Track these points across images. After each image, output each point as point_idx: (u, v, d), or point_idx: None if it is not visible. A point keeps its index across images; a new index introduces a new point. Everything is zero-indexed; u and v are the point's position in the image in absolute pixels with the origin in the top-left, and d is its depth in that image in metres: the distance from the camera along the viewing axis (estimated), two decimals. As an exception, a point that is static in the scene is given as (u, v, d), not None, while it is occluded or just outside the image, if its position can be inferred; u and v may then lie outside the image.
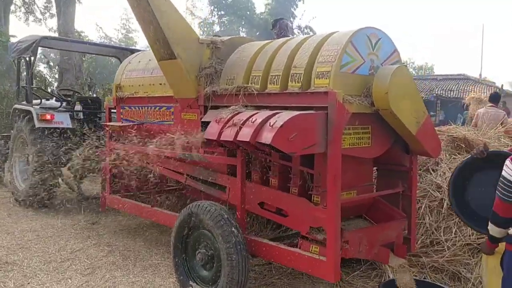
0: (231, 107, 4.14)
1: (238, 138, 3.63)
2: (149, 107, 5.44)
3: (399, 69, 3.77)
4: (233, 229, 3.97)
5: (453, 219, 5.16)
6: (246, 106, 4.20)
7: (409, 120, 3.90)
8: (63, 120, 7.13)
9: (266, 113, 3.67)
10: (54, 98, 8.57)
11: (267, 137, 3.42)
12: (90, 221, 6.51)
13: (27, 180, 7.21)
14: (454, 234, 5.03)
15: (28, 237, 5.78)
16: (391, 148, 4.27)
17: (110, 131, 5.93)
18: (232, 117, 3.85)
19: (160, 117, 5.28)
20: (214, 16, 31.57)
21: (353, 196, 4.19)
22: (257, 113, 3.74)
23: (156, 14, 4.25)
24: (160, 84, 5.25)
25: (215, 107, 4.52)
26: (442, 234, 5.08)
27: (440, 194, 5.38)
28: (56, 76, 24.06)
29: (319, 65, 3.76)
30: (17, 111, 7.68)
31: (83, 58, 20.86)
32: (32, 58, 7.22)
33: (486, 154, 3.81)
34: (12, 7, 33.29)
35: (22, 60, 7.53)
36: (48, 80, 17.04)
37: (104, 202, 6.22)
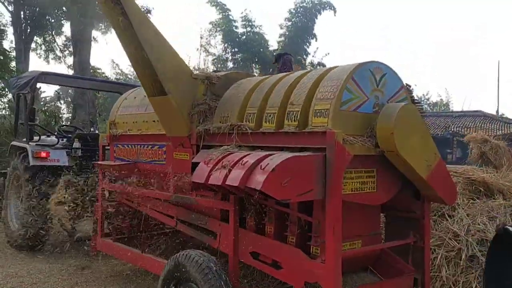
0: (223, 147, 3.80)
1: (227, 182, 3.26)
2: (142, 146, 5.14)
3: (406, 107, 3.40)
4: (222, 283, 3.54)
5: (472, 273, 4.65)
6: (239, 146, 3.86)
7: (419, 163, 3.50)
8: (59, 158, 6.88)
9: (258, 154, 3.32)
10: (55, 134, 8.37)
11: (257, 182, 3.05)
12: (80, 266, 6.13)
13: (20, 220, 6.90)
14: (474, 290, 4.51)
15: (11, 283, 5.41)
16: (400, 193, 3.85)
17: (103, 171, 5.61)
18: (222, 158, 3.50)
19: (153, 156, 4.96)
20: (228, 53, 31.83)
21: (358, 248, 3.74)
22: (248, 154, 3.39)
23: (146, 48, 3.99)
24: (154, 121, 4.95)
25: (208, 147, 4.18)
26: (460, 289, 4.55)
27: (458, 244, 4.88)
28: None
29: (317, 102, 3.42)
30: (13, 148, 7.47)
31: (97, 94, 21.01)
32: (31, 95, 7.07)
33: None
34: (33, 45, 34.23)
35: (22, 96, 7.39)
36: (58, 116, 17.01)
37: (95, 246, 5.85)
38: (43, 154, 6.74)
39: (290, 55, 7.49)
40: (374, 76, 3.57)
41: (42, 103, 32.97)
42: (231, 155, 3.49)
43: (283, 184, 3.03)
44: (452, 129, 26.07)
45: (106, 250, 5.69)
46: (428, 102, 46.26)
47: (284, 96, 3.70)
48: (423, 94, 46.72)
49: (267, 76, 4.38)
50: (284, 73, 4.24)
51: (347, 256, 3.58)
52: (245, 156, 3.35)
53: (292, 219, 3.78)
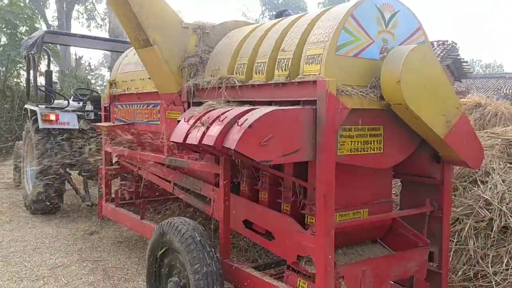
0: (207, 102, 3.35)
1: (203, 142, 2.83)
2: (139, 105, 4.78)
3: (418, 49, 2.80)
4: (205, 255, 3.17)
5: (504, 246, 4.05)
6: (228, 101, 3.41)
7: (435, 120, 2.92)
8: (69, 121, 6.68)
9: (239, 109, 2.85)
10: (72, 98, 8.21)
11: (232, 140, 2.60)
12: (89, 231, 5.99)
13: (32, 183, 6.84)
14: (506, 265, 3.92)
15: (14, 247, 5.33)
16: (416, 154, 3.30)
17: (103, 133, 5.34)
18: (203, 115, 3.06)
19: (148, 116, 4.59)
20: (266, 16, 30.95)
21: (363, 217, 3.25)
22: (230, 110, 2.93)
23: (126, -7, 3.55)
24: (150, 78, 4.55)
25: (199, 104, 3.75)
26: (489, 265, 3.98)
27: (490, 213, 4.26)
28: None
29: (309, 47, 2.88)
30: (26, 111, 7.35)
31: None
32: (37, 55, 6.86)
33: None
34: (75, 14, 34.61)
35: (31, 57, 7.19)
36: (89, 81, 17.07)
37: (101, 210, 5.65)
38: (52, 117, 6.56)
39: (291, 12, 6.81)
40: (382, 14, 2.97)
41: (87, 70, 33.55)
42: (213, 111, 3.04)
43: (263, 143, 2.57)
44: (504, 91, 24.30)
45: (110, 216, 5.48)
46: (480, 63, 43.49)
47: (276, 42, 3.17)
48: (475, 56, 43.91)
49: (262, 23, 3.84)
50: (280, 18, 3.69)
51: (351, 227, 3.11)
52: (226, 111, 2.90)
53: (287, 184, 3.32)
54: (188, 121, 3.11)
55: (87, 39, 7.41)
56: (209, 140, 2.77)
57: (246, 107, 2.93)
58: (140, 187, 5.56)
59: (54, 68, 21.21)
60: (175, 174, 4.41)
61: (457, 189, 4.65)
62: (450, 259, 4.07)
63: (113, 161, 5.65)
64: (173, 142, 3.17)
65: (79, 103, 7.54)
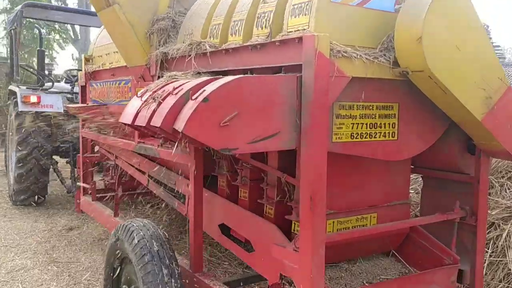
0: (168, 74, 2.61)
1: (151, 123, 2.10)
2: (112, 83, 4.07)
3: (448, -6, 1.99)
4: (163, 271, 2.45)
5: (554, 260, 3.22)
6: (199, 73, 2.66)
7: (470, 95, 2.11)
8: (53, 103, 6.04)
9: (200, 80, 2.10)
10: (64, 80, 7.60)
11: (180, 121, 1.86)
12: (67, 226, 5.36)
13: (13, 173, 6.23)
14: (556, 285, 3.10)
15: (-21, 244, 4.76)
16: (442, 142, 2.50)
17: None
18: (159, 88, 2.32)
19: (120, 95, 3.88)
20: None
21: (370, 225, 2.48)
22: (190, 81, 2.19)
23: None
24: (120, 50, 3.83)
25: (169, 78, 3.01)
26: (534, 283, 3.16)
27: (534, 217, 3.43)
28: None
29: (296, -6, 2.10)
30: (11, 93, 6.74)
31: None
32: (17, 29, 6.22)
33: None
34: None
35: (13, 33, 6.56)
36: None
37: (79, 204, 5.02)
38: (33, 99, 5.92)
39: None
40: (399, -50, 2.16)
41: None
42: (171, 84, 2.30)
43: (223, 123, 1.81)
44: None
45: (86, 211, 4.83)
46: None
47: (257, -8, 2.40)
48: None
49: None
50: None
51: (357, 237, 2.35)
52: (184, 83, 2.15)
53: (270, 180, 2.57)
54: (141, 97, 2.38)
55: (74, 13, 6.74)
56: (156, 121, 2.03)
57: (207, 78, 2.18)
58: (123, 177, 4.90)
59: (73, 51, 20.28)
60: (150, 165, 3.71)
61: (492, 186, 3.82)
62: (483, 274, 3.26)
63: (95, 149, 5.01)
64: (123, 124, 2.45)
65: (53, 83, 6.89)
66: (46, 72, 7.32)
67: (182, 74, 2.60)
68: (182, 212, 3.28)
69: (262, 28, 2.26)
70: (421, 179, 3.20)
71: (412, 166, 2.79)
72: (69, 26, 17.32)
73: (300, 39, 1.92)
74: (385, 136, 2.23)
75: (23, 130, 5.91)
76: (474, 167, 2.56)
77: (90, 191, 4.71)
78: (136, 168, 3.97)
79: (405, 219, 2.63)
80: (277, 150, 2.32)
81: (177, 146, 2.82)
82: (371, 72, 2.03)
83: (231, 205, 2.79)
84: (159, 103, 2.10)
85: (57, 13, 6.62)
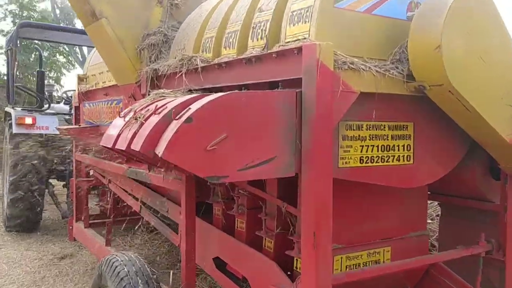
0: (154, 92, 2.36)
1: (131, 146, 1.84)
2: (105, 103, 3.85)
3: (470, -4, 1.73)
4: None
5: None
6: (190, 90, 2.42)
7: (495, 111, 1.84)
8: (49, 125, 5.83)
9: (186, 97, 1.85)
10: (64, 101, 7.42)
11: (161, 145, 1.60)
12: (60, 255, 5.07)
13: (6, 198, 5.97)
14: None
15: (-35, 274, 4.48)
16: (462, 166, 2.21)
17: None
18: (143, 108, 2.08)
19: (112, 116, 3.64)
20: None
21: (383, 261, 2.18)
22: (175, 99, 1.94)
23: None
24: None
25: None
26: None
27: None
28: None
29: (295, 0, 1.85)
30: (6, 114, 6.54)
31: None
32: (14, 49, 6.05)
33: None
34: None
35: (9, 52, 6.39)
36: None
37: (72, 231, 4.74)
38: (28, 120, 5.72)
39: None
40: (411, -50, 1.92)
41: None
42: (157, 102, 2.05)
43: (210, 147, 1.55)
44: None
45: (79, 238, 4.55)
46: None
47: (252, 2, 2.16)
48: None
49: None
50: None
51: (366, 277, 2.05)
52: (169, 102, 1.90)
53: (270, 209, 2.29)
54: (124, 117, 2.13)
55: (72, 33, 6.58)
56: (136, 144, 1.77)
57: (195, 95, 1.93)
58: (119, 203, 4.64)
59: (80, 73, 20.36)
60: (142, 191, 3.44)
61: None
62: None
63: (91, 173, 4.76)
64: (104, 147, 2.20)
65: (50, 105, 6.69)
66: (47, 94, 7.15)
67: (170, 91, 2.35)
68: (175, 242, 2.99)
69: (257, 40, 2.01)
70: (436, 204, 2.90)
71: (429, 192, 2.50)
72: (77, 49, 17.37)
73: (299, 49, 1.67)
74: (399, 160, 1.95)
75: (17, 153, 5.69)
76: (499, 194, 2.27)
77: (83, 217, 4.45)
78: (129, 193, 3.71)
79: (423, 253, 2.33)
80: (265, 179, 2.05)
81: (166, 171, 2.57)
82: (382, 87, 1.76)
83: (227, 237, 2.51)
84: (141, 124, 1.85)
85: (55, 33, 6.48)
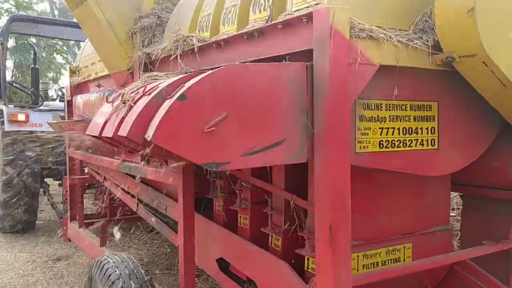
0: (146, 75, 2.13)
1: (119, 132, 1.62)
2: (97, 95, 3.62)
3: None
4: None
5: None
6: (186, 73, 2.18)
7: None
8: (43, 122, 5.61)
9: (180, 76, 1.63)
10: (59, 98, 7.21)
11: (151, 127, 1.38)
12: (55, 256, 4.85)
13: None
14: None
15: (-45, 279, 4.26)
16: (488, 153, 1.97)
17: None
18: (133, 92, 1.85)
19: (105, 108, 3.41)
20: None
21: (404, 259, 1.95)
22: (168, 79, 1.72)
23: None
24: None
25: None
26: None
27: None
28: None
29: (303, -38, 1.62)
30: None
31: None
32: (4, 44, 5.82)
33: None
34: None
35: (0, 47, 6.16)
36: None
37: (66, 232, 4.53)
38: (21, 117, 5.50)
39: None
40: None
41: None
42: (148, 85, 1.82)
43: (207, 128, 1.32)
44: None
45: (73, 239, 4.33)
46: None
47: (254, -30, 1.93)
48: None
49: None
50: None
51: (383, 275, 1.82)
52: (161, 82, 1.68)
53: (276, 203, 2.06)
54: (113, 102, 1.90)
55: (65, 26, 6.33)
56: (124, 129, 1.55)
57: (193, 72, 1.71)
58: (117, 201, 4.43)
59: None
60: (140, 187, 3.22)
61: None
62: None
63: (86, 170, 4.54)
64: (90, 136, 1.98)
65: (43, 101, 6.46)
66: (42, 91, 6.93)
67: (164, 74, 2.12)
68: (173, 242, 2.77)
69: (260, 12, 1.79)
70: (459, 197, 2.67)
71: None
72: (76, 48, 17.10)
73: (309, 16, 1.44)
74: (422, 145, 1.72)
75: (10, 151, 5.47)
76: (532, 183, 2.04)
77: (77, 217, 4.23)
78: (125, 191, 3.49)
79: (446, 250, 2.10)
80: (283, 165, 1.82)
81: (161, 162, 2.35)
82: (404, 60, 1.53)
83: (229, 234, 2.28)
84: (130, 108, 1.63)
85: (48, 28, 6.24)
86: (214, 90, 1.34)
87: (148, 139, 1.35)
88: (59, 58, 15.56)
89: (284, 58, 1.59)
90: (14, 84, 6.77)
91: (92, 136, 1.96)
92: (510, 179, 2.06)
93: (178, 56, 2.20)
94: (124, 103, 1.71)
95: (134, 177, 3.25)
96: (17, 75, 12.74)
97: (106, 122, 1.79)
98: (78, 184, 4.40)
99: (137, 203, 3.28)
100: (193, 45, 2.12)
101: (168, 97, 1.41)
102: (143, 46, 2.67)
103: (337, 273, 1.39)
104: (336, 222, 1.39)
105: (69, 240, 4.58)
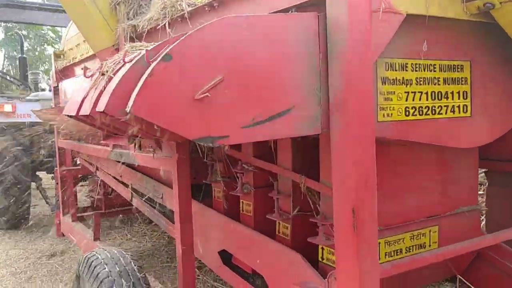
0: (128, 45, 1.87)
1: (96, 108, 1.37)
2: (82, 78, 3.35)
3: None
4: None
5: None
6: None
7: None
8: (31, 113, 5.34)
9: (163, 40, 1.38)
10: (49, 88, 6.93)
11: (131, 98, 1.13)
12: (49, 252, 4.63)
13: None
14: None
15: None
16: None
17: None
18: (114, 63, 1.59)
19: (92, 92, 3.15)
20: None
21: (431, 243, 1.72)
22: (152, 45, 1.47)
23: None
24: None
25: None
26: None
27: None
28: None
29: None
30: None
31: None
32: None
33: None
34: None
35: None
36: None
37: (59, 226, 4.30)
38: (8, 108, 5.23)
39: None
40: None
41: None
42: (130, 56, 1.57)
43: (199, 95, 1.07)
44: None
45: (66, 233, 4.11)
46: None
47: None
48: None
49: None
50: None
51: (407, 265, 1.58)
52: (145, 49, 1.42)
53: (283, 186, 1.82)
54: (92, 76, 1.65)
55: (55, 12, 5.98)
56: (101, 104, 1.30)
57: (181, 33, 1.44)
58: (112, 192, 4.20)
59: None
60: (134, 176, 2.98)
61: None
62: None
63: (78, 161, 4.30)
64: (67, 116, 1.73)
65: (31, 91, 6.20)
66: (31, 82, 6.65)
67: (151, 45, 1.86)
68: (171, 234, 2.54)
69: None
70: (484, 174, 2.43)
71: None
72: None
73: (319, -45, 1.19)
74: (453, 112, 1.48)
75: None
76: None
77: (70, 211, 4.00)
78: (119, 181, 3.26)
79: (475, 232, 1.86)
80: (290, 139, 1.58)
81: (156, 150, 2.11)
82: (434, 8, 1.28)
83: (231, 223, 2.04)
84: (110, 79, 1.38)
85: (35, 14, 5.91)
86: (206, 47, 1.09)
87: (128, 111, 1.11)
88: (50, 50, 15.22)
89: (290, 11, 1.34)
90: (2, 75, 6.47)
91: (69, 116, 1.72)
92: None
93: (167, 25, 1.94)
94: (103, 74, 1.47)
95: (129, 165, 3.02)
96: (8, 67, 12.44)
97: (84, 99, 1.55)
98: (69, 176, 4.16)
99: (131, 193, 3.05)
100: (182, 10, 1.86)
101: (151, 60, 1.16)
102: (128, 19, 2.41)
103: (362, 263, 1.16)
104: (359, 204, 1.15)
105: (63, 235, 4.35)
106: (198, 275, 3.87)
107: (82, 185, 5.18)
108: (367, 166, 1.16)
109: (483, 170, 2.29)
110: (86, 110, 1.46)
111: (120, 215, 4.61)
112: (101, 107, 1.28)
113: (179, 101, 1.07)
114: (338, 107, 1.16)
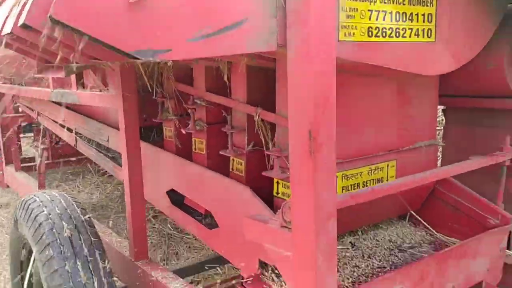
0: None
1: (18, 23, 1.17)
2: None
3: None
4: (78, 267, 1.59)
5: None
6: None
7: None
8: None
9: None
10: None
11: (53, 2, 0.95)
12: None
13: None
14: None
15: None
16: (480, 53, 1.67)
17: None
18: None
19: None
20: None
21: (388, 177, 1.68)
22: None
23: None
24: None
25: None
26: None
27: None
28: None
29: None
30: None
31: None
32: None
33: None
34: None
35: None
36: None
37: (3, 176, 4.05)
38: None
39: None
40: None
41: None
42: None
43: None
44: None
45: (11, 185, 3.88)
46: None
47: None
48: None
49: None
50: None
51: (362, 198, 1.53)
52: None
53: (237, 121, 1.70)
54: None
55: None
56: (22, 16, 1.11)
57: None
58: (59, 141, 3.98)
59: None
60: (76, 118, 2.78)
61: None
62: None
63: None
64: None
65: None
66: None
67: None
68: (119, 177, 2.41)
69: None
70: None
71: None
72: None
73: None
74: (417, 35, 1.38)
75: None
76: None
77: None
78: (62, 126, 3.05)
79: (432, 168, 1.84)
80: (244, 73, 1.45)
81: (103, 90, 1.94)
82: None
83: (182, 162, 1.92)
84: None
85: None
86: None
87: (50, 18, 0.94)
88: None
89: None
90: None
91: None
92: (506, 85, 1.79)
93: None
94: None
95: (71, 108, 2.82)
96: None
97: (7, 18, 1.35)
98: (11, 124, 3.88)
99: (76, 138, 2.86)
100: None
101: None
102: None
103: (318, 190, 1.07)
104: (317, 127, 1.05)
105: (8, 186, 4.12)
106: (154, 224, 3.79)
107: (25, 136, 4.92)
108: (326, 86, 1.05)
109: (442, 107, 2.26)
110: (8, 27, 1.27)
111: (72, 165, 4.42)
112: (22, 19, 1.10)
113: (110, 4, 0.91)
114: (295, 19, 1.04)
